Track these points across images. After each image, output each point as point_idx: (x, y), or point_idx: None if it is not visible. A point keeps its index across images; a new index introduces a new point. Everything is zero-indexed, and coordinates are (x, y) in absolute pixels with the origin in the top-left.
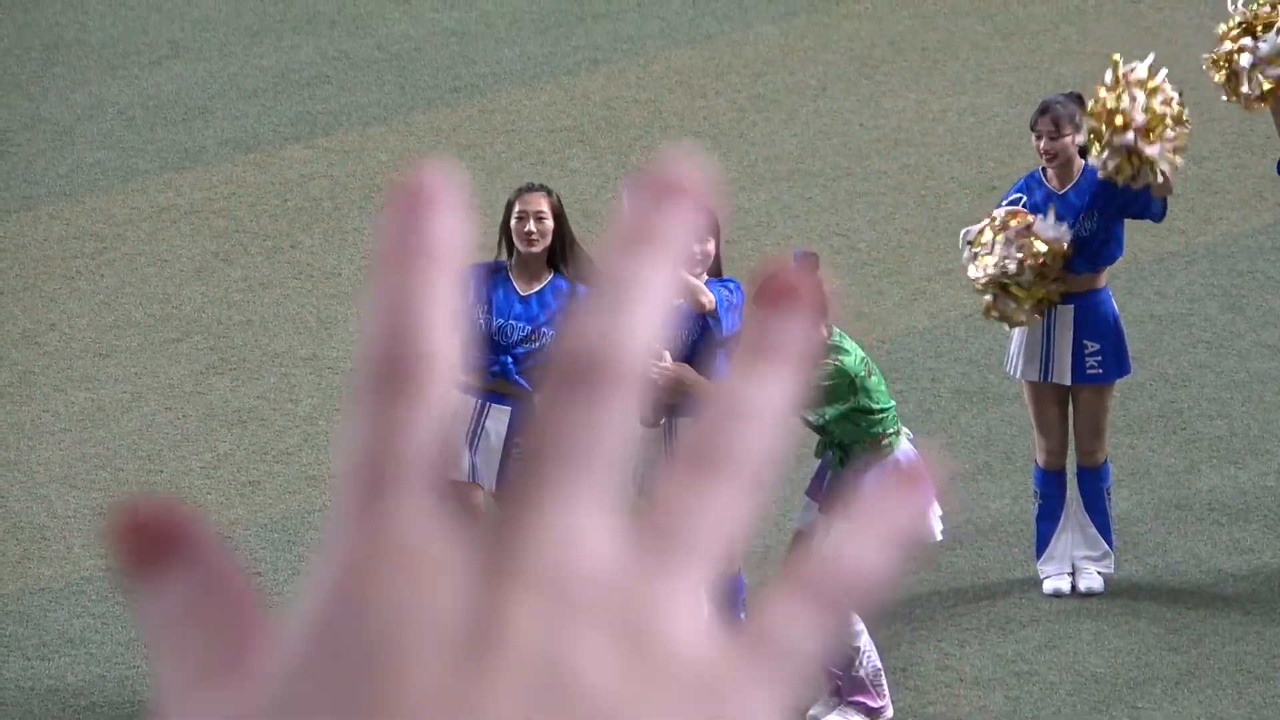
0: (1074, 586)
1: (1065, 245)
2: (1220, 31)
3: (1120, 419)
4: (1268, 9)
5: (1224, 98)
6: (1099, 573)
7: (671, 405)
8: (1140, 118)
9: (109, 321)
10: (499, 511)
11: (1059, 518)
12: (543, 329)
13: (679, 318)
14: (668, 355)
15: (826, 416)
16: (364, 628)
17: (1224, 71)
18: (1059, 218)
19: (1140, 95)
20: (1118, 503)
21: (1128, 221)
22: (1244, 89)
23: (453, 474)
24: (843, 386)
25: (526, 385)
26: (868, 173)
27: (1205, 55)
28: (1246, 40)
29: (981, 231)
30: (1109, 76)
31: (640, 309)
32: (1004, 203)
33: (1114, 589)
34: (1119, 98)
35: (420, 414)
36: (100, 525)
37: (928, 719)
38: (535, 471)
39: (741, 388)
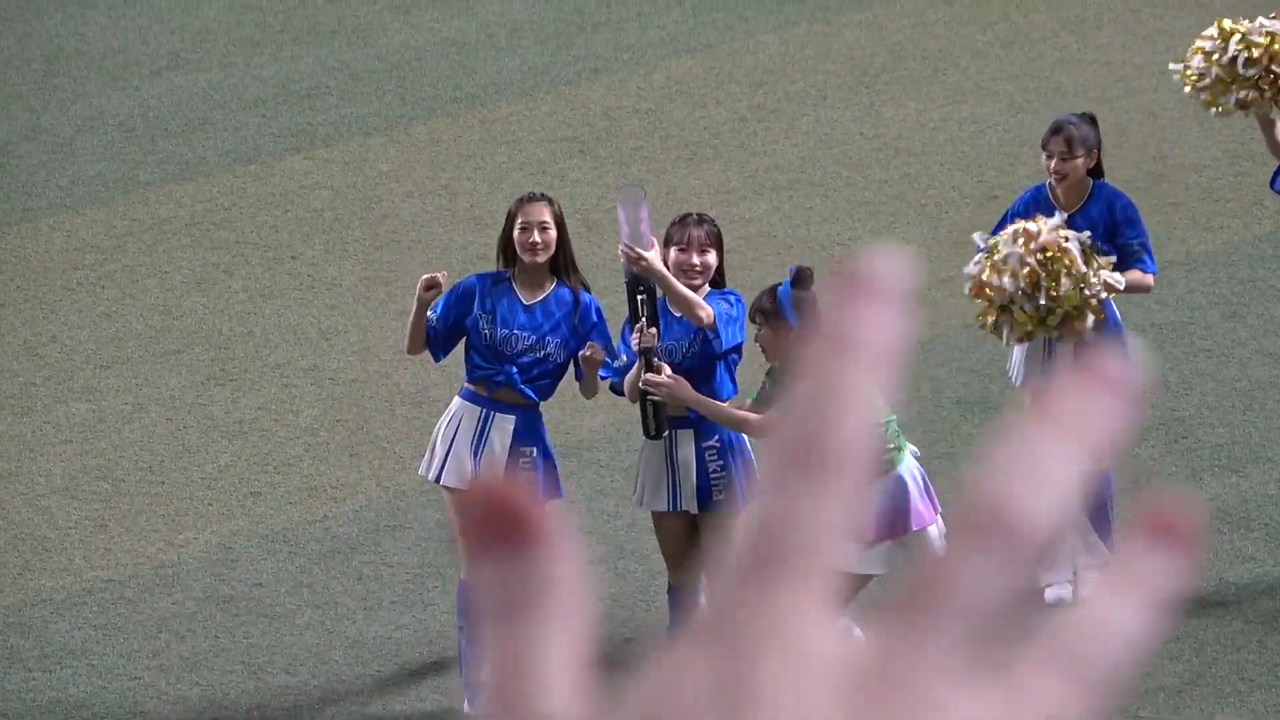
0: (1075, 593)
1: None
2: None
3: None
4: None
5: (1213, 111)
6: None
7: (674, 418)
8: None
9: (110, 333)
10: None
11: None
12: (547, 338)
13: (681, 331)
14: (667, 369)
15: None
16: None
17: (1196, 79)
18: None
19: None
20: (1119, 511)
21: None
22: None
23: (455, 483)
24: None
25: (531, 394)
26: (868, 182)
27: (1175, 66)
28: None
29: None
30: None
31: (850, 414)
32: (1007, 216)
33: None
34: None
35: (839, 500)
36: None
37: None
38: (766, 568)
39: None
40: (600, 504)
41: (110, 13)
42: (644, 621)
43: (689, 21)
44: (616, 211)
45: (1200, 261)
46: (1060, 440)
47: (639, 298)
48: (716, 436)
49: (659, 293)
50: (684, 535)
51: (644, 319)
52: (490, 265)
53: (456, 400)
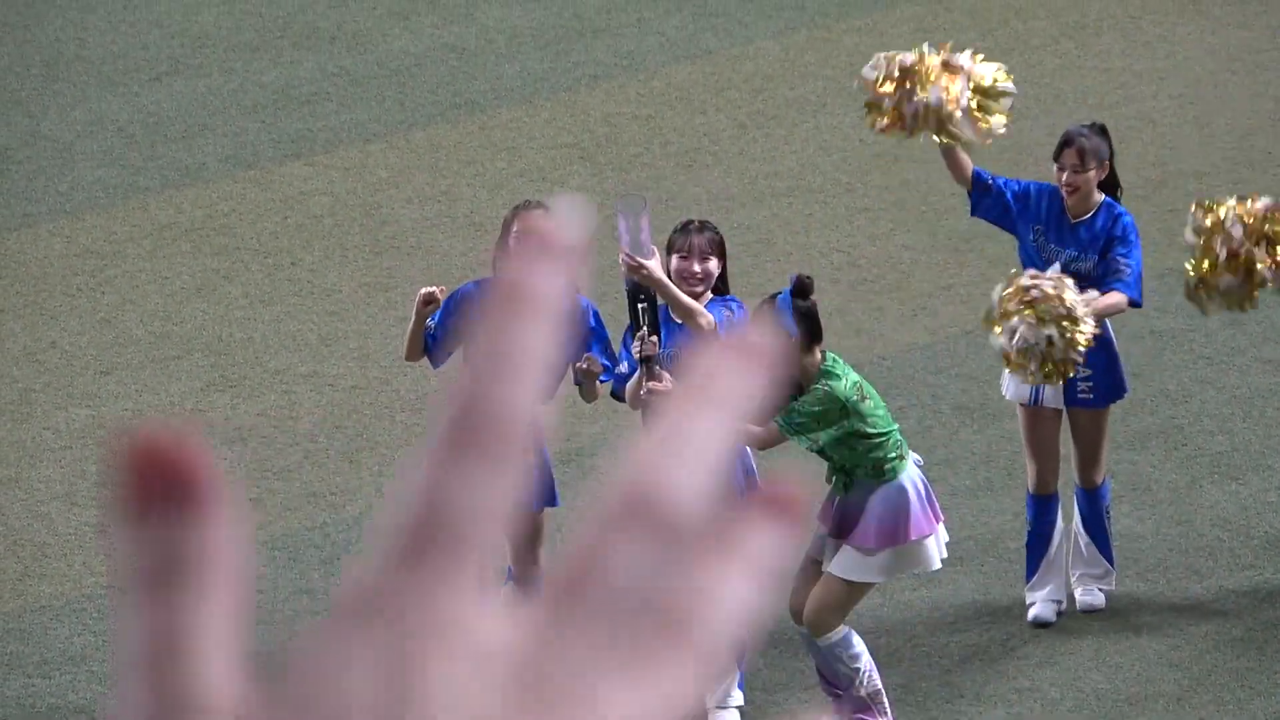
0: (1074, 601)
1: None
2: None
3: (1121, 435)
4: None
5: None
6: (1100, 589)
7: None
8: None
9: (109, 339)
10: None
11: (1049, 546)
12: None
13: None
14: (669, 377)
15: (821, 442)
16: (313, 692)
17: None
18: (1061, 245)
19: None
20: (1119, 519)
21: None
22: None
23: None
24: (833, 411)
25: None
26: (868, 189)
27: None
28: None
29: (1004, 302)
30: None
31: (518, 381)
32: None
33: (1115, 605)
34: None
35: (497, 477)
36: (113, 441)
37: None
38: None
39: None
40: None
41: (110, 18)
42: None
43: (688, 28)
44: (617, 221)
45: None
46: (703, 414)
47: (640, 306)
48: None
49: (660, 300)
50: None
51: (645, 327)
52: (490, 272)
53: None
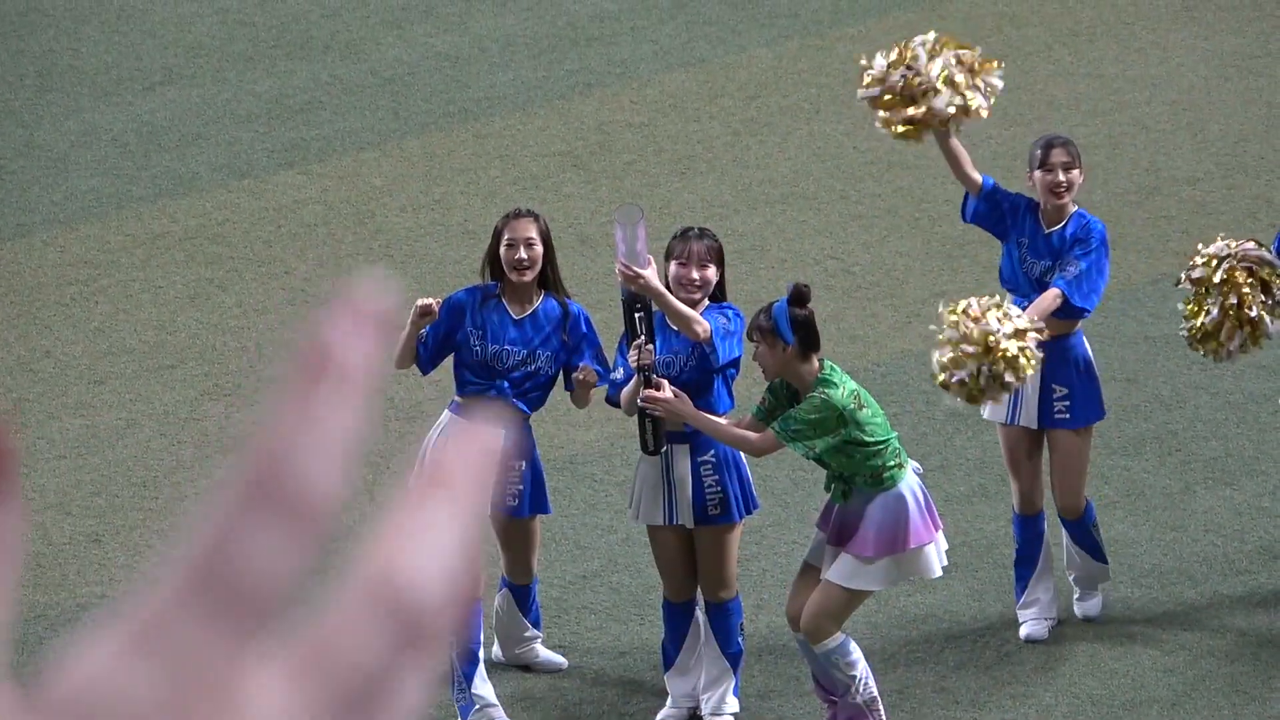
0: (1070, 610)
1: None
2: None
3: (1115, 440)
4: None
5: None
6: (1097, 593)
7: (670, 433)
8: None
9: (103, 348)
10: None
11: (1037, 562)
12: (537, 351)
13: (679, 345)
14: (667, 386)
15: (818, 449)
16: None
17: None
18: (1037, 257)
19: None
20: (1113, 524)
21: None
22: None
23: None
24: (830, 419)
25: (524, 407)
26: (861, 195)
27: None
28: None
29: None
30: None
31: (317, 448)
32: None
33: (1109, 611)
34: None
35: (289, 542)
36: None
37: None
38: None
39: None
40: (594, 518)
41: (103, 28)
42: (638, 636)
43: (682, 36)
44: (613, 230)
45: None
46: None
47: (636, 315)
48: (712, 451)
49: (656, 309)
50: (679, 549)
51: (642, 336)
52: (481, 279)
53: (446, 413)
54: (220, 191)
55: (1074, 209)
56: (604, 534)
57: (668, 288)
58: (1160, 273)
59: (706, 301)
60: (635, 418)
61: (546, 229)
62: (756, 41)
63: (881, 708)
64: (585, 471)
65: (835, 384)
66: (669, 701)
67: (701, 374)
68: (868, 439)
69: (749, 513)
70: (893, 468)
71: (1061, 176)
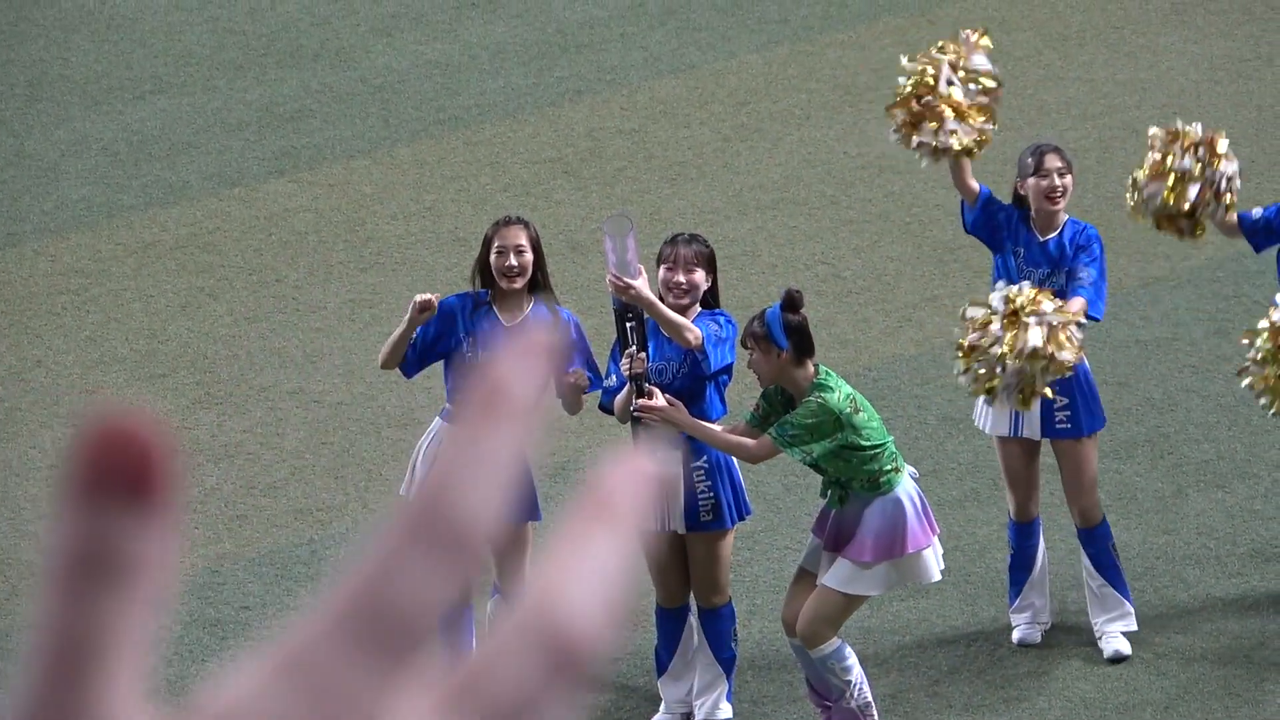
0: (1052, 619)
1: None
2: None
3: (1107, 444)
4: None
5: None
6: (1122, 633)
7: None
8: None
9: (95, 357)
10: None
11: (1032, 568)
12: None
13: (672, 352)
14: (659, 394)
15: (815, 454)
16: None
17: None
18: (1034, 265)
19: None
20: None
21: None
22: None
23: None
24: (827, 424)
25: None
26: (852, 200)
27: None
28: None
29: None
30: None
31: (482, 483)
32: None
33: None
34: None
35: (443, 577)
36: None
37: None
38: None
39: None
40: None
41: (93, 38)
42: (631, 641)
43: (672, 42)
44: (604, 241)
45: (1185, 278)
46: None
47: (628, 324)
48: (705, 458)
49: (648, 317)
50: (672, 555)
51: (634, 345)
52: (471, 286)
53: (437, 420)
54: (211, 200)
55: (1064, 216)
56: None
57: (660, 295)
58: (1151, 276)
59: (698, 308)
60: (629, 425)
61: (537, 236)
62: (746, 48)
63: (875, 713)
64: (577, 478)
65: (831, 388)
66: (662, 707)
67: (694, 381)
68: (864, 443)
69: (742, 518)
70: (889, 472)
71: (1057, 181)
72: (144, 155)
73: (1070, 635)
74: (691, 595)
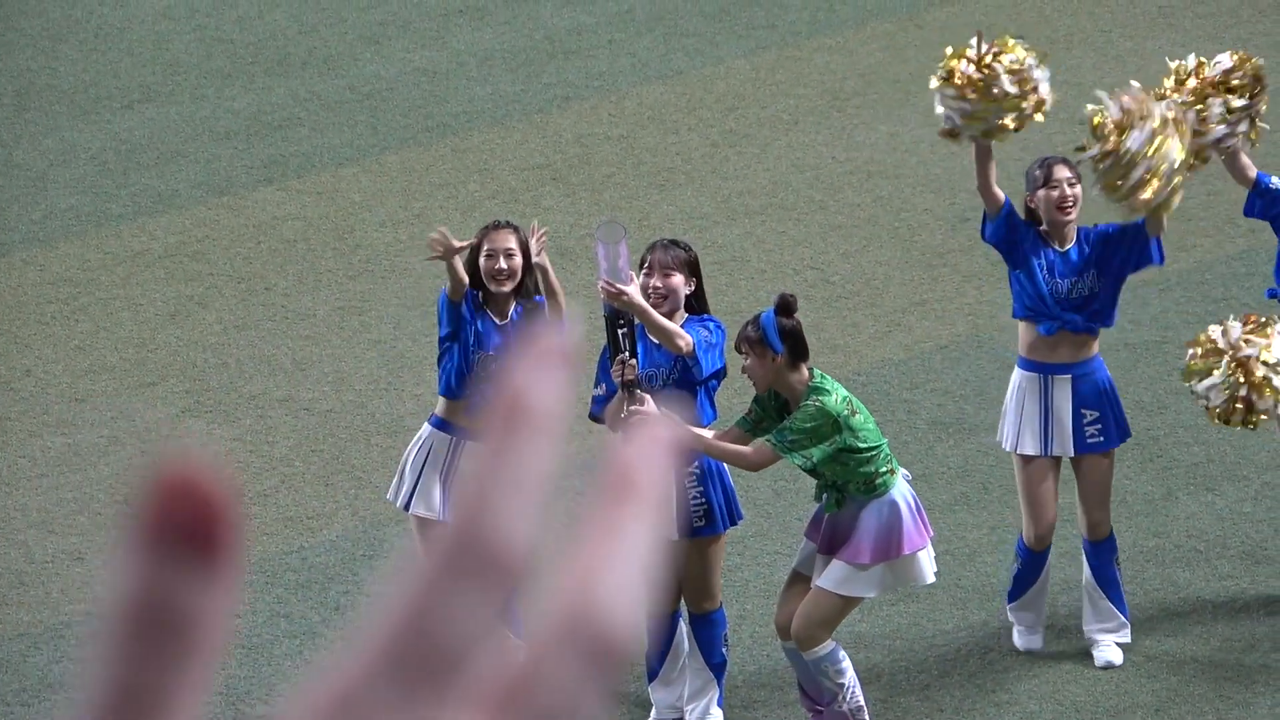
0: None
1: None
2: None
3: None
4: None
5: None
6: (1116, 644)
7: None
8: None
9: (84, 366)
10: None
11: (1037, 579)
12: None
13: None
14: (650, 401)
15: (814, 459)
16: None
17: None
18: (1062, 275)
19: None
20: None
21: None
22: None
23: (424, 512)
24: (826, 426)
25: None
26: (841, 205)
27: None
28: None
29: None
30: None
31: (517, 504)
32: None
33: None
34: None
35: (487, 606)
36: (152, 467)
37: None
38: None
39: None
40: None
41: (81, 47)
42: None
43: (660, 48)
44: (595, 248)
45: (1174, 281)
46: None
47: (619, 331)
48: (696, 463)
49: (639, 323)
50: (663, 562)
51: (625, 351)
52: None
53: (426, 427)
54: (199, 208)
55: (1075, 226)
56: None
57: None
58: (1141, 279)
59: (684, 313)
60: (619, 432)
61: (526, 240)
62: (734, 53)
63: (867, 716)
64: (567, 485)
65: (828, 390)
66: (653, 713)
67: (684, 387)
68: (861, 445)
69: (733, 524)
70: (885, 474)
71: (1068, 191)
72: (132, 164)
73: (1061, 639)
74: (682, 601)
